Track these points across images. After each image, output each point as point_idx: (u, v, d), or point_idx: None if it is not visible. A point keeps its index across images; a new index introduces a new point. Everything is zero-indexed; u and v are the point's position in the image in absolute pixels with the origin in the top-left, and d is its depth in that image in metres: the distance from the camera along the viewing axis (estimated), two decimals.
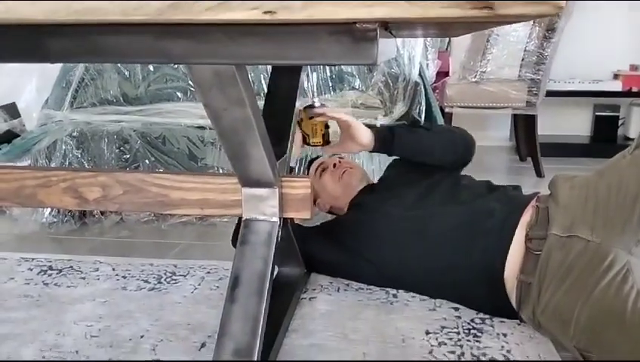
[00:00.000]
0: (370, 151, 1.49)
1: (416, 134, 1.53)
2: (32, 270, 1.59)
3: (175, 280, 1.51)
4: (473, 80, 2.65)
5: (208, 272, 1.56)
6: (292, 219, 1.38)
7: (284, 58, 0.68)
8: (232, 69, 0.77)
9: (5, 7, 0.57)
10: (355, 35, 0.64)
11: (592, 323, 0.99)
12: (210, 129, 2.02)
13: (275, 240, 1.08)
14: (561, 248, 1.08)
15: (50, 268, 1.60)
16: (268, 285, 1.02)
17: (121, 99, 2.18)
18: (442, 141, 1.54)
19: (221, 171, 2.00)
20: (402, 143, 1.46)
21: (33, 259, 1.67)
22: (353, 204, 1.52)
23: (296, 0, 0.57)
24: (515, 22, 0.60)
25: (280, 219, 1.10)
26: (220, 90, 0.82)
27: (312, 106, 1.42)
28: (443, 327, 1.20)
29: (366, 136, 1.42)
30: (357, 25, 0.64)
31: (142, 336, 1.20)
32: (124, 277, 1.53)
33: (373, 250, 1.36)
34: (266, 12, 0.57)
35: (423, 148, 1.50)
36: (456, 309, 1.28)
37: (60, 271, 1.58)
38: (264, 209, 1.10)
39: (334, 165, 1.63)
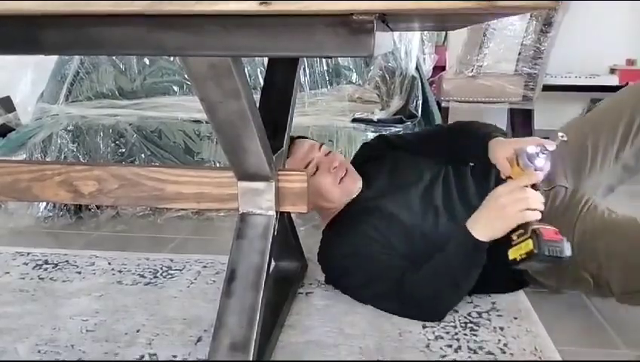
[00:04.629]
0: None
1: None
2: (27, 264, 1.58)
3: (171, 274, 1.50)
4: (470, 74, 2.64)
5: (205, 266, 1.55)
6: (289, 213, 1.37)
7: (281, 50, 0.68)
8: (227, 61, 0.76)
9: None
10: (352, 27, 0.64)
11: (584, 240, 1.18)
12: (206, 123, 2.01)
13: (272, 233, 1.07)
14: (548, 199, 1.25)
15: (46, 262, 1.59)
16: (264, 279, 1.01)
17: (116, 92, 2.16)
18: None
19: (217, 165, 1.99)
20: None
21: (29, 254, 1.66)
22: (357, 208, 1.36)
23: None
24: (512, 14, 0.60)
25: (276, 212, 1.10)
26: (215, 82, 0.82)
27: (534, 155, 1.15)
28: (439, 321, 1.20)
29: None
30: (354, 17, 0.63)
31: (138, 331, 1.20)
32: (120, 271, 1.53)
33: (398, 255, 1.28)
34: (261, 3, 0.57)
35: None
36: None
37: (56, 265, 1.57)
38: (260, 203, 1.09)
39: (331, 164, 1.38)
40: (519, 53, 2.58)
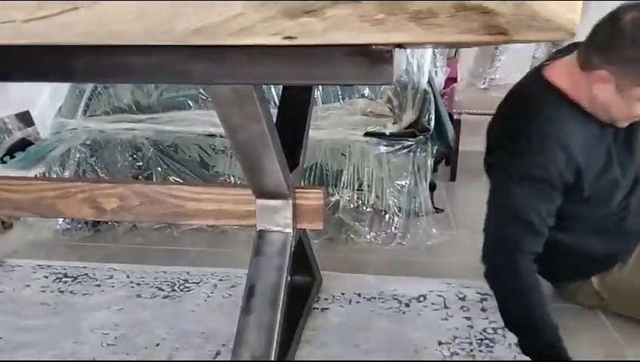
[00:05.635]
0: None
1: None
2: (47, 277, 1.61)
3: (188, 287, 1.53)
4: (482, 86, 2.65)
5: (221, 280, 1.57)
6: (305, 230, 1.39)
7: (302, 78, 0.70)
8: (250, 87, 0.79)
9: (39, 32, 0.60)
10: (371, 57, 0.66)
11: None
12: (221, 137, 2.04)
13: (289, 250, 1.09)
14: None
15: (66, 275, 1.62)
16: (283, 296, 1.03)
17: (133, 107, 2.20)
18: None
19: (232, 179, 2.02)
20: None
21: (49, 267, 1.69)
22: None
23: (316, 25, 0.58)
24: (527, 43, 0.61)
25: (293, 229, 1.12)
26: (237, 107, 0.84)
27: None
28: (455, 337, 1.21)
29: None
30: (373, 46, 0.65)
31: (157, 344, 1.22)
32: (139, 284, 1.55)
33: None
34: (286, 37, 0.59)
35: None
36: (468, 319, 1.29)
37: (75, 278, 1.60)
38: (278, 220, 1.12)
39: None
40: (531, 66, 2.59)
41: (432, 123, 2.06)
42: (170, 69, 0.69)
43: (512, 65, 2.60)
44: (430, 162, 1.97)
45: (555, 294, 1.42)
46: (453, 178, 2.67)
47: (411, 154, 1.96)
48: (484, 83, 2.65)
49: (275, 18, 0.57)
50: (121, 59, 0.70)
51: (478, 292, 1.43)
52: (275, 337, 0.99)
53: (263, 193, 1.10)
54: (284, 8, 0.56)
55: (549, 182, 1.12)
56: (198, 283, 1.56)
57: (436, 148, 2.02)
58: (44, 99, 2.49)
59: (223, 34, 0.58)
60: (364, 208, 1.92)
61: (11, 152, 2.29)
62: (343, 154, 1.96)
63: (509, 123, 1.21)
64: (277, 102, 2.03)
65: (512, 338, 1.20)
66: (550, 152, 1.11)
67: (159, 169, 2.05)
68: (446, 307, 1.36)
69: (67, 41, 0.61)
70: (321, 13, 0.56)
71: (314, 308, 1.37)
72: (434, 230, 1.88)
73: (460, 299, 1.40)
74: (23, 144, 2.34)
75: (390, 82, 0.68)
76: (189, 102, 2.19)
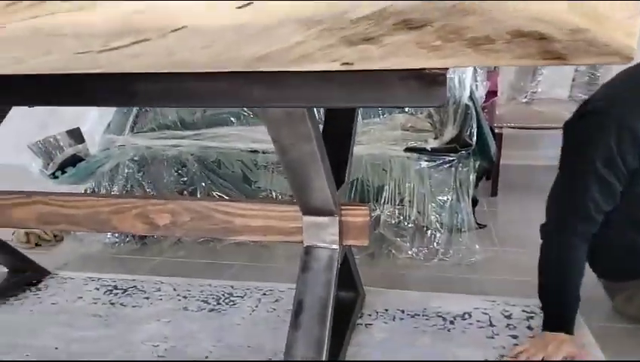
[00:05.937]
0: None
1: None
2: (98, 289, 1.67)
3: (233, 301, 1.56)
4: (524, 100, 2.63)
5: (264, 294, 1.60)
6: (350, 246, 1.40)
7: (356, 101, 0.72)
8: (302, 109, 0.81)
9: (113, 62, 0.64)
10: (425, 80, 0.67)
11: None
12: (263, 153, 2.08)
13: (336, 266, 1.11)
14: None
15: (116, 287, 1.68)
16: (331, 310, 1.05)
17: (178, 124, 2.27)
18: None
19: (274, 194, 2.06)
20: None
21: (99, 279, 1.75)
22: None
23: (374, 51, 0.60)
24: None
25: (340, 246, 1.14)
26: (289, 127, 0.87)
27: None
28: (502, 356, 1.20)
29: None
30: (426, 70, 0.67)
31: (206, 357, 1.25)
32: (185, 297, 1.59)
33: None
34: (344, 63, 0.61)
35: None
36: (515, 337, 1.28)
37: (125, 290, 1.65)
38: (325, 236, 1.13)
39: None
40: (573, 80, 2.56)
41: (474, 138, 2.05)
42: (230, 93, 0.72)
43: (554, 78, 2.57)
44: (472, 177, 1.96)
45: (612, 310, 1.40)
46: (494, 193, 2.65)
47: (453, 169, 1.95)
48: (526, 97, 2.62)
49: (335, 45, 0.59)
50: (182, 86, 0.73)
51: (523, 311, 1.41)
52: (325, 352, 1.00)
53: (310, 210, 1.13)
54: (343, 36, 0.58)
55: (613, 169, 1.19)
56: (242, 296, 1.59)
57: (478, 163, 2.01)
58: (93, 117, 2.58)
59: (285, 61, 0.61)
60: (406, 224, 1.92)
61: (63, 168, 2.38)
62: (383, 170, 1.97)
63: (607, 87, 1.37)
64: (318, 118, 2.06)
65: None
66: (617, 132, 1.17)
67: (203, 184, 2.10)
68: (491, 325, 1.35)
69: (136, 70, 0.64)
70: (379, 40, 0.58)
71: (358, 324, 1.38)
72: (477, 246, 1.87)
73: (505, 316, 1.39)
74: (74, 160, 2.42)
75: (443, 103, 0.69)
76: (232, 118, 2.24)
